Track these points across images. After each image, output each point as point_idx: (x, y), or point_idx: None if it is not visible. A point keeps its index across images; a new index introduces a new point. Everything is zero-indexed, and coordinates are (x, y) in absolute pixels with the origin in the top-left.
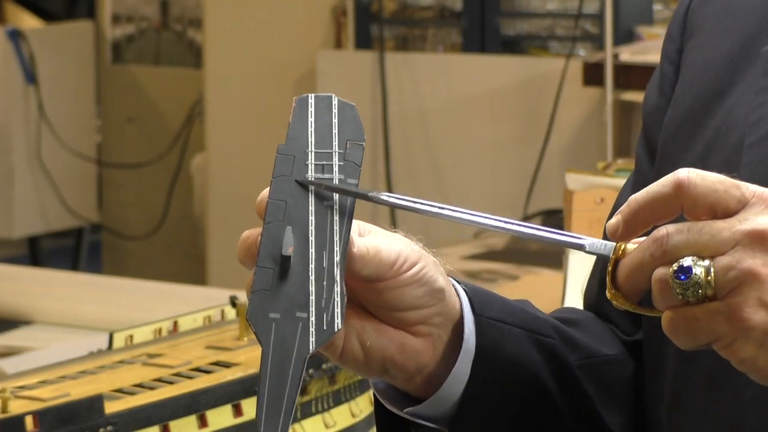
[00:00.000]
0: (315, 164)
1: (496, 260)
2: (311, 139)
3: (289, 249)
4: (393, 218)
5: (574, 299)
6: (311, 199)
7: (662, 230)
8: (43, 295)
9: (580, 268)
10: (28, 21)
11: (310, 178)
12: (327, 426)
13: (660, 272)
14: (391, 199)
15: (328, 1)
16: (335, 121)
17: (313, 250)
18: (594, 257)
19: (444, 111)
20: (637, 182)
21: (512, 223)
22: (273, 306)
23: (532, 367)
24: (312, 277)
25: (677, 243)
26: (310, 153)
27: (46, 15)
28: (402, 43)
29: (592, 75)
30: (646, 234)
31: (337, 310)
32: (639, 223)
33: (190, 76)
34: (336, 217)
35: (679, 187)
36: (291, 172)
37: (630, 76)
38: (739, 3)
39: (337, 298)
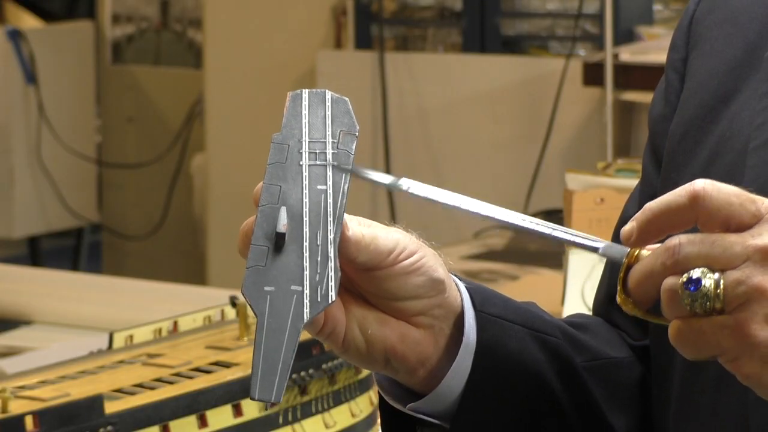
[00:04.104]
0: (309, 152)
1: (496, 260)
2: (305, 129)
3: (282, 226)
4: (393, 215)
5: (574, 299)
6: (305, 183)
7: (675, 240)
8: (43, 295)
9: (580, 269)
10: (28, 21)
11: (304, 165)
12: (327, 426)
13: (670, 281)
14: (419, 191)
15: (328, 1)
16: (328, 113)
17: (307, 230)
18: (597, 261)
19: (444, 111)
20: (644, 191)
21: (527, 221)
22: (267, 280)
23: (534, 365)
24: (306, 254)
25: (689, 254)
26: (303, 142)
27: (46, 15)
28: (402, 43)
29: (592, 75)
30: (661, 242)
31: (331, 284)
32: (653, 230)
33: (190, 76)
34: (330, 200)
35: (695, 199)
36: (285, 159)
37: (630, 76)
38: (742, 11)
39: (331, 273)
